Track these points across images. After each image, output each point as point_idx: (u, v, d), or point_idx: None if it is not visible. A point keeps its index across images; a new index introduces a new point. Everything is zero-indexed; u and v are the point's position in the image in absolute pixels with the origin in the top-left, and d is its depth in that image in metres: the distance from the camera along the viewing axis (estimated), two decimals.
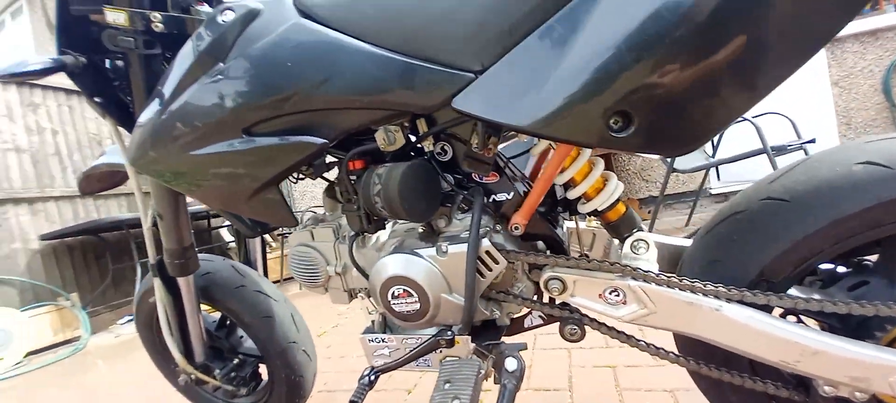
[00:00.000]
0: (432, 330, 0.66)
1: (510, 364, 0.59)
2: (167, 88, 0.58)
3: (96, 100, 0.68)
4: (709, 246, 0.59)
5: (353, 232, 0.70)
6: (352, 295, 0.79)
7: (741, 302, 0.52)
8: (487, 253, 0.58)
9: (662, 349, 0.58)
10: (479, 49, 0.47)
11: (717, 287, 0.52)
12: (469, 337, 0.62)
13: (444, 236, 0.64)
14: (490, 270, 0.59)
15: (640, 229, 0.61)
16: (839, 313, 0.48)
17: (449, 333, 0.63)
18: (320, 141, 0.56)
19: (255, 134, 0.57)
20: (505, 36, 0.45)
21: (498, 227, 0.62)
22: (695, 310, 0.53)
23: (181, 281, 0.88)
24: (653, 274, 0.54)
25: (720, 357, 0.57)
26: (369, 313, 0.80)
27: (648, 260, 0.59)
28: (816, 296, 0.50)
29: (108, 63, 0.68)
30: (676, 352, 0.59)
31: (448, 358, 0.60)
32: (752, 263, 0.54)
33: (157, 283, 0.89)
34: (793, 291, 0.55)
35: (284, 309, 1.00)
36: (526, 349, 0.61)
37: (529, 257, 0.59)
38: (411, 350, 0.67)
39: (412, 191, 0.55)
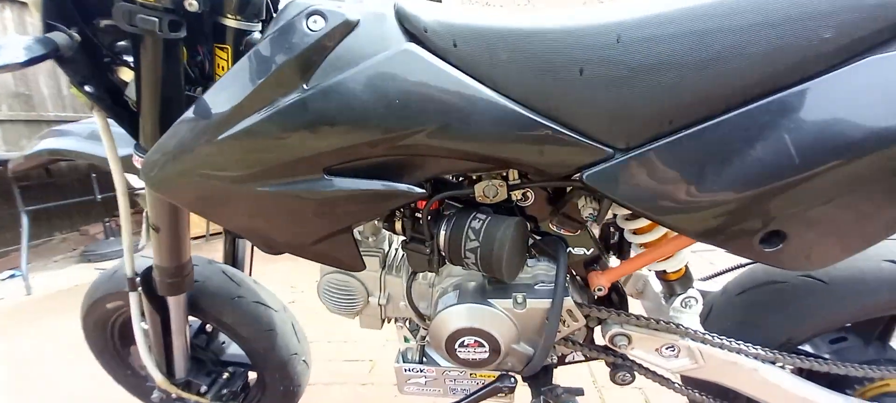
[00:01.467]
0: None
1: None
2: (220, 103, 0.45)
3: (86, 88, 0.50)
4: (744, 306, 0.67)
5: (411, 270, 0.64)
6: (386, 321, 0.75)
7: (774, 363, 0.60)
8: (569, 311, 0.59)
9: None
10: (628, 128, 0.44)
11: (758, 350, 0.60)
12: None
13: (518, 286, 0.62)
14: (566, 326, 0.60)
15: (693, 286, 0.66)
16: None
17: (512, 380, 0.64)
18: (418, 190, 0.49)
19: (338, 174, 0.47)
20: (662, 122, 0.43)
21: (573, 278, 0.62)
22: (737, 368, 0.61)
23: (171, 299, 0.74)
24: (712, 338, 0.59)
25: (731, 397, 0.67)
26: (405, 341, 0.76)
27: (694, 315, 0.65)
28: (836, 360, 0.59)
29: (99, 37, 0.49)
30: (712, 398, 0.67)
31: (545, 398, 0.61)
32: (784, 331, 0.62)
33: (135, 298, 0.73)
34: (808, 349, 0.65)
35: (285, 319, 0.91)
36: (583, 394, 0.64)
37: (611, 315, 0.60)
38: (469, 397, 0.66)
39: (514, 252, 0.52)
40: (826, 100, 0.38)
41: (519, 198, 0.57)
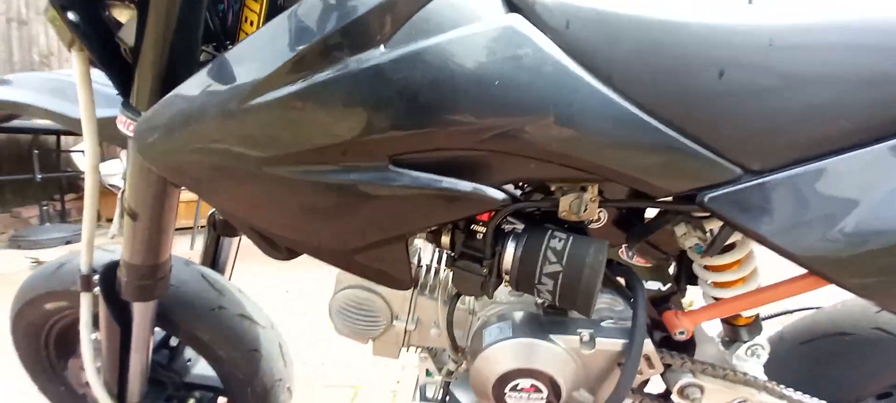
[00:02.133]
0: None
1: None
2: (253, 61, 0.34)
3: (70, 15, 0.37)
4: (811, 358, 0.61)
5: (455, 293, 0.53)
6: (406, 349, 0.63)
7: None
8: (646, 356, 0.50)
9: None
10: (767, 146, 0.37)
11: None
12: None
13: (581, 321, 0.53)
14: (640, 373, 0.51)
15: (761, 333, 0.60)
16: None
17: None
18: (502, 196, 0.39)
19: (406, 165, 0.37)
20: (809, 145, 0.36)
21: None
22: None
23: (138, 306, 0.58)
24: (790, 395, 0.52)
25: None
26: (428, 375, 0.64)
27: (759, 365, 0.58)
28: None
29: None
30: None
31: None
32: (857, 387, 0.57)
33: (87, 301, 0.57)
34: None
35: (272, 338, 0.76)
36: None
37: (686, 363, 0.52)
38: None
39: (597, 282, 0.43)
40: None
41: (594, 218, 0.49)
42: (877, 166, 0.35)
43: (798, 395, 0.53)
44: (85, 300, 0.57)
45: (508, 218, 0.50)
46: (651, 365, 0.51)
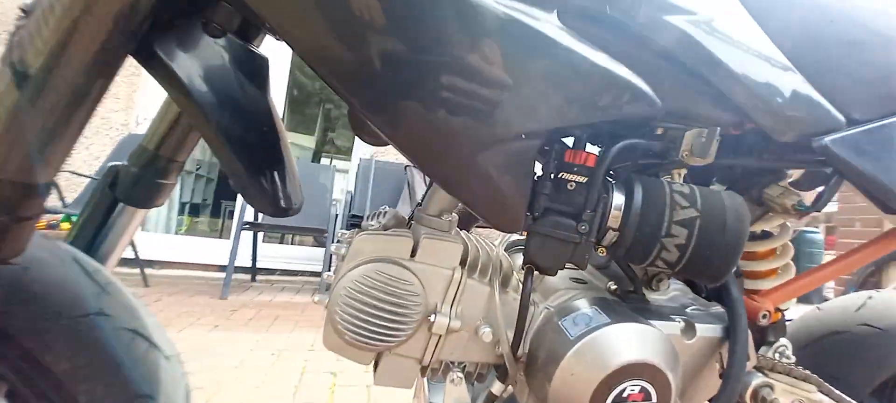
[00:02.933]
0: None
1: None
2: None
3: None
4: (814, 360, 0.62)
5: (528, 267, 0.40)
6: (426, 371, 0.44)
7: None
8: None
9: None
10: (869, 99, 0.37)
11: None
12: None
13: (661, 306, 0.44)
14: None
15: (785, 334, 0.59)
16: None
17: None
18: (661, 104, 0.31)
19: (575, 31, 0.26)
20: None
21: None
22: None
23: None
24: (843, 397, 0.51)
25: None
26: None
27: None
28: None
29: None
30: None
31: None
32: (855, 383, 0.59)
33: None
34: None
35: (176, 377, 0.47)
36: None
37: (763, 358, 0.46)
38: None
39: (744, 239, 0.36)
40: None
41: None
42: None
43: (838, 393, 0.51)
44: None
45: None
46: (748, 357, 0.44)
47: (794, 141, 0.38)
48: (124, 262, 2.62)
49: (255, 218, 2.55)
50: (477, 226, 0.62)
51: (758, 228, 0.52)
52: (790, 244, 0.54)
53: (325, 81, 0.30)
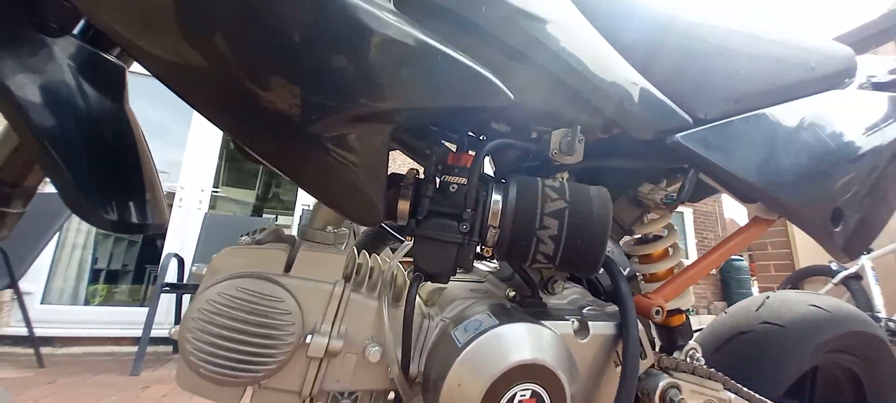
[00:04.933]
0: None
1: None
2: None
3: None
4: (725, 361, 0.64)
5: (415, 275, 0.37)
6: None
7: None
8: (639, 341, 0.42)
9: None
10: (708, 101, 0.42)
11: None
12: None
13: (557, 307, 0.43)
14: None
15: (693, 337, 0.60)
16: None
17: None
18: (511, 96, 0.32)
19: (415, 20, 0.27)
20: (732, 102, 0.43)
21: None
22: None
23: None
24: (757, 396, 0.52)
25: None
26: None
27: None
28: None
29: None
30: None
31: None
32: (770, 378, 0.61)
33: None
34: None
35: None
36: None
37: (665, 357, 0.46)
38: None
39: (608, 226, 0.36)
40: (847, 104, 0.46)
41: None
42: (776, 120, 0.44)
43: (750, 392, 0.52)
44: None
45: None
46: (644, 354, 0.43)
47: (651, 139, 0.41)
48: (15, 341, 2.22)
49: (180, 278, 2.31)
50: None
51: (648, 232, 0.55)
52: (679, 244, 0.57)
53: (171, 90, 0.27)
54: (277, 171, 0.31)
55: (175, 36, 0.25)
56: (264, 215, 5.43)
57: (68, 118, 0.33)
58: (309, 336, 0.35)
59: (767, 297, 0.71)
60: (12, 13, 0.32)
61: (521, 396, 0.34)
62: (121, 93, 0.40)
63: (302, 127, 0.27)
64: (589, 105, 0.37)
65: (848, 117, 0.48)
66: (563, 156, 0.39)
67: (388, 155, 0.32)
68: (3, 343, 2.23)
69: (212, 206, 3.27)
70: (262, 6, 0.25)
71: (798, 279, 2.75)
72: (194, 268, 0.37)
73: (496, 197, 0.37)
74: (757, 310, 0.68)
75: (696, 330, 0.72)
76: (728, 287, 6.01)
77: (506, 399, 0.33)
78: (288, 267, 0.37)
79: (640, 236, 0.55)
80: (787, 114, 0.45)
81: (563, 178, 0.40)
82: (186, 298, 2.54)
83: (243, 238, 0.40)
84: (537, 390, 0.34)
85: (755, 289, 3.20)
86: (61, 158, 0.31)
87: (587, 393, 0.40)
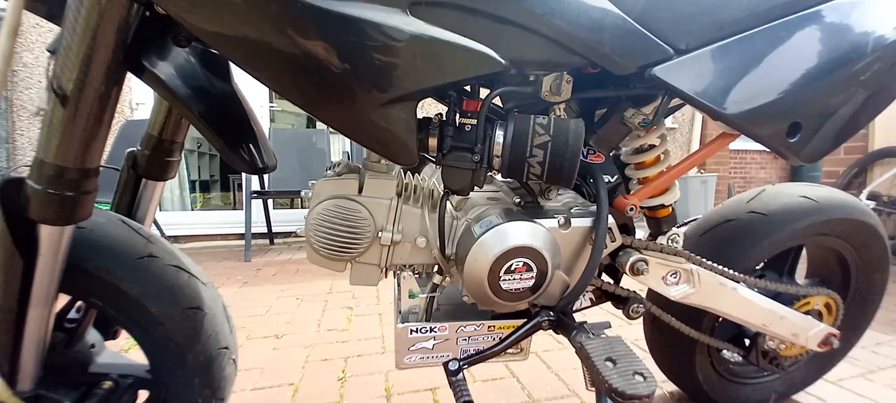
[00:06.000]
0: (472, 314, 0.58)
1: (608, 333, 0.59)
2: None
3: None
4: (708, 244, 0.78)
5: (444, 192, 0.55)
6: (385, 273, 0.61)
7: (746, 284, 0.70)
8: (610, 228, 0.58)
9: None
10: (690, 30, 0.48)
11: (735, 273, 0.69)
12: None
13: (551, 209, 0.59)
14: (605, 247, 0.59)
15: (676, 225, 0.74)
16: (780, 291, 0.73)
17: (550, 314, 0.58)
18: (503, 62, 0.43)
19: (424, 19, 0.39)
20: (717, 28, 0.49)
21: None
22: (722, 290, 0.69)
23: (49, 233, 0.45)
24: (714, 266, 0.66)
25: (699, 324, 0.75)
26: (410, 296, 0.63)
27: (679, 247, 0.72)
28: (789, 282, 0.73)
29: None
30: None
31: (582, 336, 0.54)
32: (743, 258, 0.74)
33: None
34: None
35: (214, 297, 0.66)
36: (610, 326, 0.63)
37: (634, 241, 0.62)
38: (512, 335, 0.57)
39: (579, 150, 0.49)
40: (829, 21, 0.50)
41: (566, 98, 0.56)
42: (757, 45, 0.49)
43: (711, 263, 0.67)
44: None
45: (490, 112, 0.54)
46: (613, 239, 0.59)
47: (632, 73, 0.50)
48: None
49: (261, 186, 2.73)
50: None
51: (644, 143, 0.65)
52: (669, 151, 0.67)
53: (254, 77, 0.42)
54: (335, 129, 0.47)
55: (252, 37, 0.39)
56: (318, 125, 5.78)
57: (207, 97, 0.51)
58: (379, 233, 0.56)
59: (763, 190, 0.80)
60: (157, 34, 0.48)
61: (517, 265, 0.53)
62: (229, 76, 0.56)
63: (352, 103, 0.42)
64: (572, 51, 0.47)
65: (824, 34, 0.51)
66: (553, 95, 0.51)
67: (416, 113, 0.46)
68: None
69: (272, 120, 3.61)
70: (305, 27, 0.38)
71: (867, 162, 2.56)
72: (303, 193, 0.57)
73: (499, 133, 0.51)
74: (748, 202, 0.78)
75: (688, 222, 0.85)
76: (799, 168, 5.61)
77: (505, 267, 0.52)
78: (360, 190, 0.56)
79: (636, 147, 0.66)
80: (763, 37, 0.50)
81: (552, 115, 0.52)
82: (270, 201, 3.04)
83: (328, 171, 0.58)
84: (527, 262, 0.53)
85: (819, 171, 3.01)
86: (211, 125, 0.50)
87: (569, 264, 0.58)
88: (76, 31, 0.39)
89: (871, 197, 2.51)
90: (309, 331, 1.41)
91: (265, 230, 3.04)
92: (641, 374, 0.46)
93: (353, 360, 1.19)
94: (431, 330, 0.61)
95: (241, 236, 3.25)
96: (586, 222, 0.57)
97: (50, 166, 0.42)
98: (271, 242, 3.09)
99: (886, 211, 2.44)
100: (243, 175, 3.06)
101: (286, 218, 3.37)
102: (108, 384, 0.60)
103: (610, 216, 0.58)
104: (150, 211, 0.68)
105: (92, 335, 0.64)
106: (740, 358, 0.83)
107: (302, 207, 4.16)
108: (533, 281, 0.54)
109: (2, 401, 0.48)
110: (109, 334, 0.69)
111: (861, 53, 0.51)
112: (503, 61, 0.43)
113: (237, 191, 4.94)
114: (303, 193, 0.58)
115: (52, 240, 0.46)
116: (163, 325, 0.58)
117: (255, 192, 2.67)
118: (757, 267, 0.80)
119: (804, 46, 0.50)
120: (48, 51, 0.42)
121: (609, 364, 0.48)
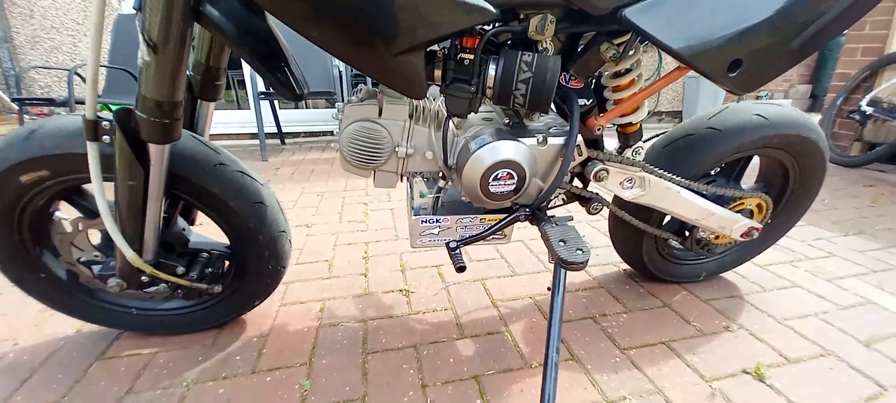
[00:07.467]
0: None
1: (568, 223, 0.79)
2: None
3: None
4: (668, 154, 0.93)
5: (446, 116, 0.69)
6: (401, 178, 0.78)
7: (689, 189, 0.88)
8: (578, 146, 0.73)
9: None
10: None
11: (682, 179, 0.85)
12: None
13: (533, 129, 0.73)
14: (573, 160, 0.74)
15: (641, 140, 0.88)
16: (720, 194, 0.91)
17: (527, 210, 0.77)
18: (494, 11, 0.54)
19: None
20: None
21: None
22: (668, 192, 0.86)
23: (155, 149, 0.61)
24: (662, 173, 0.82)
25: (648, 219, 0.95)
26: (421, 196, 0.82)
27: (640, 157, 0.88)
28: (723, 185, 0.90)
29: None
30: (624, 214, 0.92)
31: (547, 225, 0.74)
32: (694, 166, 0.90)
33: (94, 151, 0.59)
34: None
35: (270, 193, 0.85)
36: (573, 219, 0.82)
37: (599, 154, 0.77)
38: (497, 225, 0.77)
39: (555, 84, 0.62)
40: None
41: (549, 36, 0.66)
42: None
43: (661, 171, 0.83)
44: (92, 150, 0.59)
45: (485, 47, 0.65)
46: (581, 153, 0.75)
47: (607, 14, 0.59)
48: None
49: (266, 87, 2.79)
50: None
51: (621, 68, 0.76)
52: (642, 76, 0.78)
53: (291, 27, 0.53)
54: (362, 73, 0.59)
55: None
56: None
57: (253, 36, 0.62)
58: (396, 147, 0.71)
59: (726, 107, 0.92)
60: None
61: (502, 174, 0.69)
62: (265, 15, 0.66)
63: (373, 54, 0.54)
64: None
65: None
66: (538, 34, 0.61)
67: (423, 59, 0.57)
68: None
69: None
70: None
71: (878, 66, 2.52)
72: (334, 114, 0.72)
73: (491, 67, 0.63)
74: (709, 118, 0.91)
75: (660, 134, 0.98)
76: (824, 65, 5.36)
77: (492, 176, 0.69)
78: (379, 113, 0.70)
79: (614, 71, 0.77)
80: None
81: (535, 52, 0.63)
82: (277, 102, 3.11)
83: (353, 97, 0.72)
84: (510, 171, 0.69)
85: (832, 73, 2.96)
86: (259, 60, 0.62)
87: (545, 172, 0.75)
88: None
89: (871, 102, 2.53)
90: (333, 222, 1.66)
91: (274, 130, 3.17)
92: (581, 249, 0.66)
93: (372, 244, 1.44)
94: (437, 220, 0.81)
95: (252, 135, 3.40)
96: (560, 140, 0.72)
97: (150, 100, 0.56)
98: (282, 142, 3.25)
99: (882, 118, 2.49)
100: (245, 72, 3.09)
101: (292, 119, 3.47)
102: (205, 254, 0.82)
103: (579, 135, 0.72)
104: (208, 127, 0.83)
105: (181, 221, 0.85)
106: (681, 245, 1.05)
107: (307, 108, 4.22)
108: (514, 185, 0.71)
109: (138, 268, 0.70)
110: (190, 220, 0.91)
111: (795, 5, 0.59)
112: (494, 10, 0.54)
113: (238, 89, 4.92)
114: (333, 112, 0.72)
115: (157, 155, 0.62)
116: (238, 215, 0.78)
117: (263, 93, 2.74)
118: (711, 173, 0.96)
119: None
120: (134, 9, 0.53)
121: (561, 243, 0.67)
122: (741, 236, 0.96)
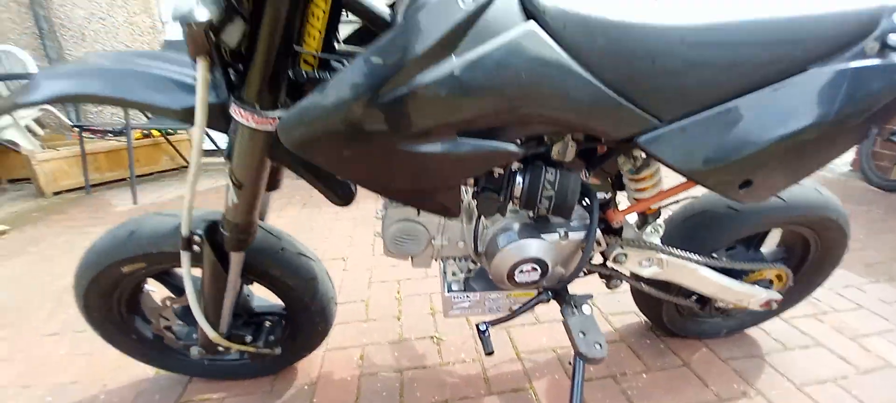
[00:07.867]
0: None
1: (585, 309, 0.86)
2: (384, 64, 0.49)
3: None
4: (687, 229, 0.97)
5: (477, 215, 0.77)
6: (436, 260, 0.87)
7: (706, 265, 0.92)
8: (597, 240, 0.80)
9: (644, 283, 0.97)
10: (672, 103, 0.62)
11: (698, 256, 0.90)
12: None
13: (560, 224, 0.81)
14: (594, 249, 0.82)
15: (660, 217, 0.94)
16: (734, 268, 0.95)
17: (550, 294, 0.85)
18: (517, 150, 0.61)
19: (466, 135, 0.57)
20: (692, 102, 0.62)
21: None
22: (683, 270, 0.92)
23: (235, 255, 0.74)
24: (679, 252, 0.88)
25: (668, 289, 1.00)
26: (454, 275, 0.91)
27: (658, 236, 0.93)
28: (735, 260, 0.94)
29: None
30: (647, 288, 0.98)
31: (570, 313, 0.82)
32: (712, 243, 0.94)
33: (187, 258, 0.72)
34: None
35: (321, 267, 0.96)
36: (592, 297, 0.89)
37: (618, 241, 0.84)
38: (522, 307, 0.85)
39: (576, 199, 0.69)
40: (783, 97, 0.62)
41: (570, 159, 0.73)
42: (726, 116, 0.63)
43: (679, 251, 0.89)
44: (185, 257, 0.72)
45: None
46: (599, 244, 0.82)
47: (621, 139, 0.66)
48: (210, 153, 3.25)
49: None
50: None
51: (641, 175, 0.82)
52: (659, 175, 0.83)
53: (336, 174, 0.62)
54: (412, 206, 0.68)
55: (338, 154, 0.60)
56: None
57: (308, 164, 0.73)
58: (432, 240, 0.81)
59: None
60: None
61: (526, 268, 0.77)
62: None
63: (422, 193, 0.63)
64: (572, 128, 0.63)
65: (781, 108, 0.62)
66: (561, 156, 0.68)
67: (460, 193, 0.66)
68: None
69: None
70: (392, 158, 0.58)
71: None
72: (376, 212, 0.82)
73: (519, 180, 0.71)
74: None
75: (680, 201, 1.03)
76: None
77: (518, 269, 0.77)
78: (418, 212, 0.79)
79: (635, 172, 0.82)
80: (729, 112, 0.61)
81: (558, 170, 0.70)
82: None
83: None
84: (534, 265, 0.77)
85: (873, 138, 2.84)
86: (316, 178, 0.73)
87: (566, 263, 0.82)
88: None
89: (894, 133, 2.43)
90: (366, 254, 1.78)
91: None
92: (599, 344, 0.73)
93: (404, 282, 1.55)
94: (468, 296, 0.90)
95: None
96: (580, 235, 0.79)
97: (232, 223, 0.68)
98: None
99: None
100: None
101: None
102: (267, 322, 0.95)
103: (598, 230, 0.79)
104: (267, 210, 0.96)
105: (244, 289, 0.98)
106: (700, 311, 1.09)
107: None
108: (538, 276, 0.79)
109: (217, 343, 0.83)
110: (248, 280, 1.04)
111: (814, 122, 0.63)
112: (520, 151, 0.62)
113: None
114: (378, 212, 0.82)
115: (236, 259, 0.75)
116: (295, 290, 0.90)
117: None
118: (728, 248, 1.01)
119: (763, 119, 0.62)
120: (225, 158, 0.64)
121: (581, 334, 0.75)
122: (760, 306, 1.00)
